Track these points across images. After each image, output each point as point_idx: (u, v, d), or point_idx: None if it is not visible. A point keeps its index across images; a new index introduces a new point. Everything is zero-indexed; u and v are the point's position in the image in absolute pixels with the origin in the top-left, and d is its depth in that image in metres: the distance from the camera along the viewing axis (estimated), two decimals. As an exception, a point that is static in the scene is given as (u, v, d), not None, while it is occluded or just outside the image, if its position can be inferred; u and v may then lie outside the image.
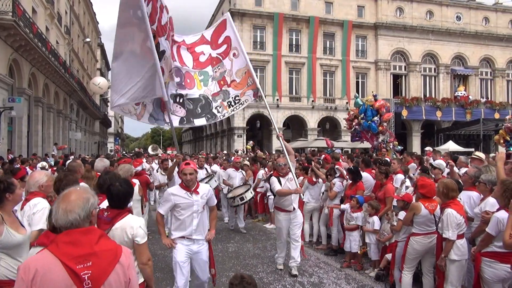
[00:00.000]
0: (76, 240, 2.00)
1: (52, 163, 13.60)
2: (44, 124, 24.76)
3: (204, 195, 4.49)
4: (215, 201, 4.79)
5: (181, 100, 6.14)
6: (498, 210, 4.00)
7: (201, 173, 9.48)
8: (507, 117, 18.96)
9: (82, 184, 4.15)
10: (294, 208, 6.38)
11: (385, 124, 16.47)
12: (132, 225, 3.10)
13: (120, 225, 3.10)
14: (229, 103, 6.42)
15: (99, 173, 5.51)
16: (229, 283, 2.63)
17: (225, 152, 27.32)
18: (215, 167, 11.96)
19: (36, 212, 3.44)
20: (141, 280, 3.17)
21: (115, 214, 3.18)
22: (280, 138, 6.11)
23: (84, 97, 34.78)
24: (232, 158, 15.67)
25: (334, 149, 17.35)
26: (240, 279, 2.60)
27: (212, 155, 21.59)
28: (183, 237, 4.42)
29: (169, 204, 4.41)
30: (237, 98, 6.44)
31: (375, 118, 15.43)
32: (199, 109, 6.27)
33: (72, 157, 18.22)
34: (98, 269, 1.97)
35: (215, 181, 9.53)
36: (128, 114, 5.75)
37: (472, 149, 23.43)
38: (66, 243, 1.99)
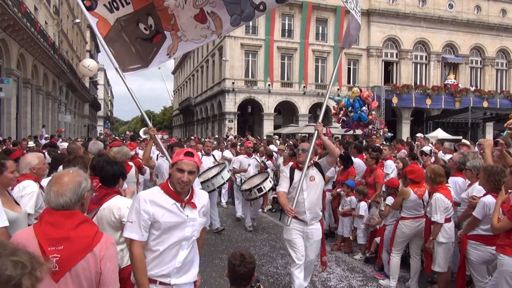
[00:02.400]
0: (57, 221, 2.02)
1: (43, 144, 13.49)
2: (33, 106, 24.46)
3: (202, 210, 2.75)
4: (209, 220, 3.53)
5: None
6: (484, 195, 4.16)
7: (208, 161, 8.31)
8: None
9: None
10: (310, 221, 4.56)
11: (373, 112, 16.60)
12: (119, 206, 3.11)
13: (107, 206, 3.12)
14: None
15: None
16: (230, 263, 2.70)
17: (216, 136, 27.36)
18: (228, 153, 10.33)
19: (24, 195, 3.39)
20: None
21: (103, 194, 3.19)
22: (318, 130, 4.44)
23: (73, 79, 34.33)
24: (222, 142, 15.71)
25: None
26: (241, 258, 2.66)
27: (203, 139, 21.50)
28: (153, 281, 2.60)
29: (145, 222, 2.53)
30: None
31: (364, 108, 15.55)
32: None
33: (60, 139, 18.14)
34: (67, 254, 1.96)
35: (228, 171, 7.83)
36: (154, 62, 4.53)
37: (460, 137, 23.79)
38: (48, 223, 2.02)
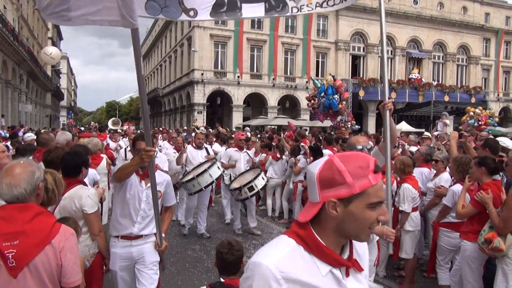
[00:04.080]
0: (10, 216, 1.96)
1: (7, 135, 12.92)
2: (-9, 95, 23.37)
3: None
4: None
5: None
6: (454, 184, 4.37)
7: (200, 156, 7.37)
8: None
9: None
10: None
11: (344, 102, 16.97)
12: (80, 195, 3.11)
13: (69, 195, 3.10)
14: None
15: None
16: (218, 252, 2.73)
17: (185, 128, 27.09)
18: (217, 147, 9.27)
19: None
20: (96, 250, 3.23)
21: (66, 184, 3.09)
22: (387, 110, 3.19)
23: (34, 67, 32.95)
24: (193, 134, 15.61)
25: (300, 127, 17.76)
26: (229, 246, 2.70)
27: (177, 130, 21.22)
28: None
29: None
30: None
31: (335, 96, 15.85)
32: None
33: (22, 130, 17.41)
34: (23, 249, 1.90)
35: (219, 168, 6.79)
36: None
37: (423, 130, 24.69)
38: (0, 218, 1.95)
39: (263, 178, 6.77)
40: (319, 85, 16.76)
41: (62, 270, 2.00)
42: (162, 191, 3.44)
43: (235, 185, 6.88)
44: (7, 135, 12.84)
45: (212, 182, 6.67)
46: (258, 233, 7.39)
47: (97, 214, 3.16)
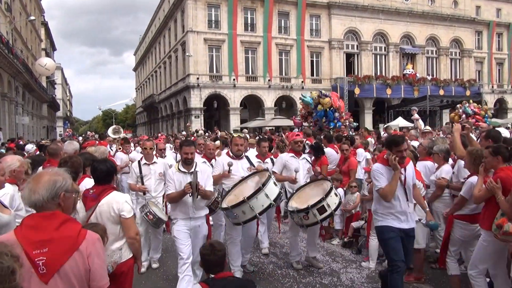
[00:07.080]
0: (37, 224, 2.01)
1: (2, 151, 12.85)
2: (-12, 109, 23.32)
3: None
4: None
5: None
6: (469, 176, 4.43)
7: (240, 168, 5.44)
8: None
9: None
10: None
11: (343, 114, 16.98)
12: (117, 200, 3.22)
13: (106, 201, 3.22)
14: None
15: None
16: (201, 254, 2.88)
17: (183, 133, 27.10)
18: (252, 153, 6.29)
19: None
20: (131, 255, 3.31)
21: (100, 190, 3.27)
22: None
23: (30, 79, 32.92)
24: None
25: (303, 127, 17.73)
26: (211, 248, 2.85)
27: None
28: None
29: None
30: None
31: (336, 114, 15.85)
32: None
33: (21, 142, 17.38)
34: (53, 255, 1.97)
35: (275, 183, 4.76)
36: None
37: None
38: (29, 227, 2.01)
39: (336, 195, 4.97)
40: (309, 101, 16.53)
41: (91, 274, 2.08)
42: None
43: (297, 204, 4.95)
44: (2, 151, 12.69)
45: (270, 205, 4.56)
46: (320, 266, 5.65)
47: (134, 218, 3.29)
